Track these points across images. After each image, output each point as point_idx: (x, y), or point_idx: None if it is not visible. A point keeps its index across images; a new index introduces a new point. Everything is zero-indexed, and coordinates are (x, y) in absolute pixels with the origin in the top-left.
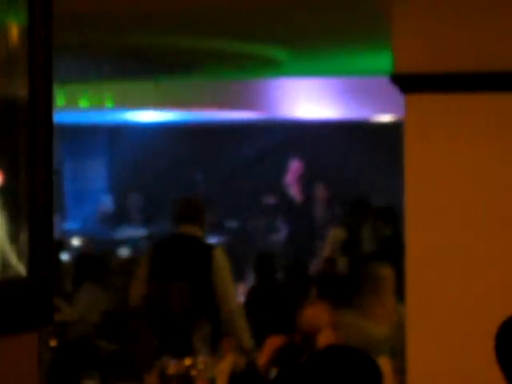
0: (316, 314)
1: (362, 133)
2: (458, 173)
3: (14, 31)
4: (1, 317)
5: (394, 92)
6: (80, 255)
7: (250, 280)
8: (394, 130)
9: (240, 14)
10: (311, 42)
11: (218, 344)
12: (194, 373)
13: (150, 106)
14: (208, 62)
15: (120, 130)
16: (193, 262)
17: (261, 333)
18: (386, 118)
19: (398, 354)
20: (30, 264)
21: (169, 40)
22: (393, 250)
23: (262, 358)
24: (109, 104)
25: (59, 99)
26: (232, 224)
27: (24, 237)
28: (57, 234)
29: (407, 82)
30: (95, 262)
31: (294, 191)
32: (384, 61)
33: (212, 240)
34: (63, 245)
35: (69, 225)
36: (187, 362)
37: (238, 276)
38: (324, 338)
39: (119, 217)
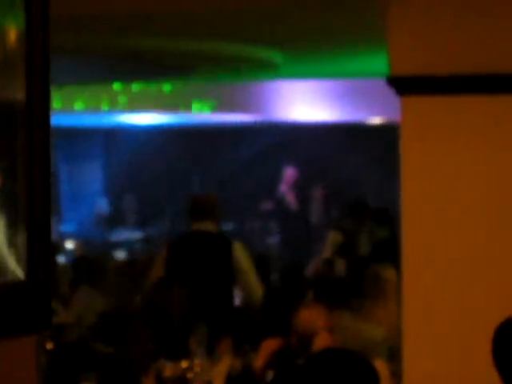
0: (312, 317)
1: (357, 135)
2: (455, 175)
3: (12, 34)
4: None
5: (389, 94)
6: (76, 258)
7: None
8: (390, 131)
9: (236, 16)
10: (307, 44)
11: (215, 347)
12: (190, 375)
13: (145, 108)
14: (204, 65)
15: (116, 132)
16: (213, 259)
17: (257, 335)
18: (380, 120)
19: (396, 356)
20: (28, 267)
21: (165, 43)
22: (389, 252)
23: (259, 361)
24: (104, 106)
25: (55, 102)
26: (228, 226)
27: (22, 240)
28: (53, 236)
29: (403, 84)
30: (91, 265)
31: (290, 198)
32: (380, 63)
33: None
34: (59, 247)
35: (65, 227)
36: (184, 364)
37: None
38: (320, 341)
39: (115, 219)
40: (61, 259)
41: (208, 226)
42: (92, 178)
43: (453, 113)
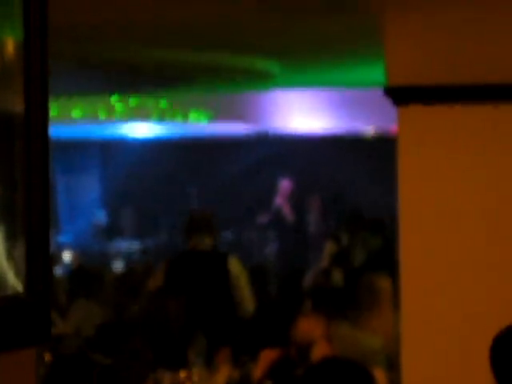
0: (310, 327)
1: (354, 145)
2: (452, 184)
3: (10, 45)
4: None
5: (386, 104)
6: (74, 269)
7: None
8: (387, 141)
9: (233, 27)
10: (304, 54)
11: (213, 357)
12: None
13: (142, 119)
14: (202, 76)
15: (113, 144)
16: (210, 275)
17: (255, 346)
18: (376, 130)
19: (394, 365)
20: (27, 280)
21: (162, 54)
22: (384, 261)
23: (257, 371)
24: (102, 116)
25: (52, 111)
26: (227, 236)
27: (21, 252)
28: (51, 248)
29: (400, 94)
30: (89, 276)
31: (286, 210)
32: (377, 73)
33: None
34: (57, 258)
35: (62, 239)
36: (182, 374)
37: None
38: (319, 351)
39: (113, 230)
40: (58, 270)
41: (204, 242)
42: (89, 189)
43: (450, 122)
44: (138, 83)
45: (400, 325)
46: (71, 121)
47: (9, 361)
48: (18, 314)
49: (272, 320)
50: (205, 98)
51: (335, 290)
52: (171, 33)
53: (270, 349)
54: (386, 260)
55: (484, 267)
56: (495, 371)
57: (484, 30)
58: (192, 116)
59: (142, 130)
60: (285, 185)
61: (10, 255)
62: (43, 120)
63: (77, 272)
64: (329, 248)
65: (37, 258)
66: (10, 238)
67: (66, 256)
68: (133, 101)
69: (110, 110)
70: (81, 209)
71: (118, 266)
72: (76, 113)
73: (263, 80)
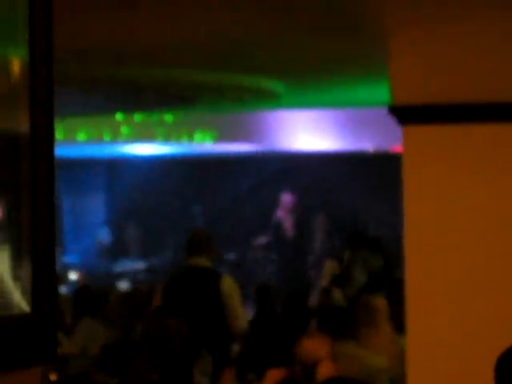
0: (315, 346)
1: (359, 163)
2: (456, 202)
3: (16, 66)
4: (5, 353)
5: (391, 123)
6: (79, 288)
7: (250, 312)
8: (391, 160)
9: (238, 47)
10: (309, 74)
11: (219, 376)
12: None
13: (147, 139)
14: (206, 95)
15: (118, 163)
16: (203, 292)
17: (261, 365)
18: (374, 149)
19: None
20: (34, 300)
21: (167, 74)
22: (383, 281)
23: None
24: (107, 137)
25: (57, 133)
26: (231, 256)
27: (27, 272)
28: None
29: (405, 114)
30: (94, 295)
31: (287, 224)
32: (382, 92)
33: None
34: (63, 278)
35: (67, 258)
36: None
37: None
38: (324, 370)
39: (118, 250)
40: (64, 290)
41: (201, 262)
42: (94, 208)
43: (454, 141)
44: (143, 103)
45: (399, 343)
46: (77, 143)
47: (14, 380)
48: (24, 333)
49: (277, 339)
50: (210, 118)
51: (340, 308)
52: (175, 52)
53: (276, 368)
54: (386, 281)
55: (491, 287)
56: None
57: (489, 49)
58: (197, 136)
59: (147, 149)
60: (286, 198)
61: (16, 275)
62: (49, 140)
63: (82, 291)
64: (327, 267)
65: (43, 277)
66: (16, 257)
67: (72, 276)
68: (138, 122)
69: (115, 132)
70: (86, 228)
71: (124, 285)
72: (81, 136)
73: (268, 100)
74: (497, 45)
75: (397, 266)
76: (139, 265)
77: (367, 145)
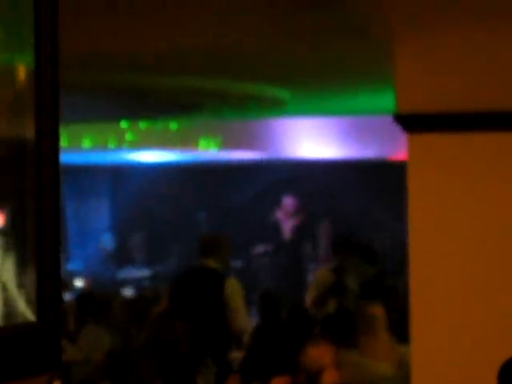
0: (319, 354)
1: (363, 171)
2: (462, 211)
3: (21, 73)
4: (10, 362)
5: (396, 132)
6: (83, 295)
7: (255, 319)
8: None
9: (243, 55)
10: (314, 82)
11: None
12: None
13: (152, 146)
14: (211, 103)
15: (122, 170)
16: (207, 294)
17: (265, 373)
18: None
19: None
20: (38, 308)
21: (172, 81)
22: (377, 289)
23: None
24: (111, 144)
25: (62, 140)
26: (236, 263)
27: (31, 280)
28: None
29: (410, 122)
30: (98, 302)
31: (286, 226)
32: (387, 100)
33: None
34: (67, 285)
35: (71, 265)
36: None
37: None
38: (328, 378)
39: (122, 257)
40: (68, 296)
41: (209, 263)
42: (99, 215)
43: (460, 150)
44: (147, 110)
45: (400, 351)
46: (81, 150)
47: None
48: (29, 341)
49: (282, 347)
50: (214, 126)
51: (345, 317)
52: (181, 60)
53: (280, 376)
54: (380, 289)
55: (496, 295)
56: None
57: (495, 57)
58: (202, 144)
59: (151, 156)
60: (288, 201)
61: (20, 283)
62: (54, 147)
63: (85, 298)
64: (318, 276)
65: (47, 285)
66: (21, 265)
67: (77, 283)
68: (143, 129)
69: (120, 139)
70: (90, 235)
71: (128, 292)
72: (86, 142)
73: (273, 107)
74: (504, 54)
75: (392, 274)
76: (144, 272)
77: (371, 152)
